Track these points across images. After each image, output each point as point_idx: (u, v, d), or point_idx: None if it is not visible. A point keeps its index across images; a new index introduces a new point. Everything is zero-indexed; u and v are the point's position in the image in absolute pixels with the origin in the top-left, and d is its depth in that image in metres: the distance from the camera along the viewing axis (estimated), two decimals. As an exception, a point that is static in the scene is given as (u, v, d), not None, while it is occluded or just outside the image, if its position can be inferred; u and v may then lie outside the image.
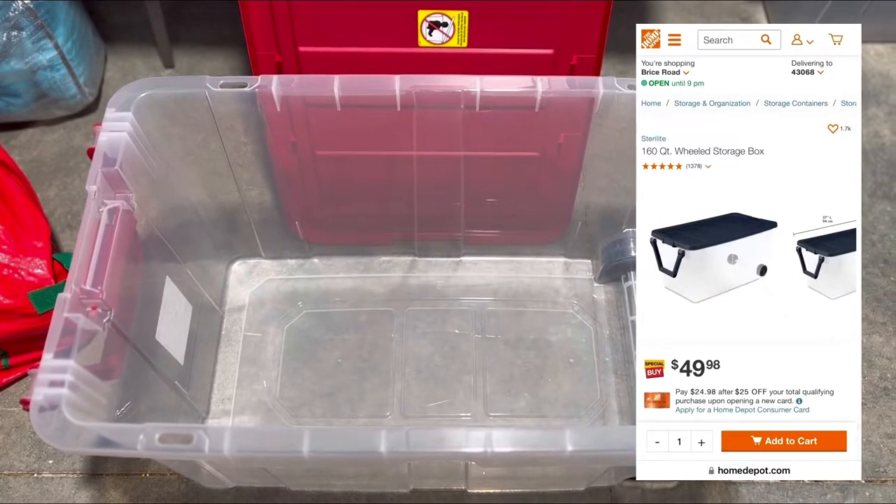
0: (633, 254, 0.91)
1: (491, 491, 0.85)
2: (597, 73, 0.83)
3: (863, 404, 0.90)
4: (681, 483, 0.85)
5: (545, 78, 0.73)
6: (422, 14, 0.77)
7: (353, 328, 0.95)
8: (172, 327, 0.79)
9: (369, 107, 0.75)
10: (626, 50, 1.17)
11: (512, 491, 0.85)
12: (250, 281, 0.99)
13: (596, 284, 0.97)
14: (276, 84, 0.72)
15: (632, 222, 0.91)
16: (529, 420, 0.89)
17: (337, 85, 0.72)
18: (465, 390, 0.90)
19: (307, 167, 0.85)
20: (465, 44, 0.79)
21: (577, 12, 0.77)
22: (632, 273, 0.92)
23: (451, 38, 0.79)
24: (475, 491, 0.85)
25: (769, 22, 1.24)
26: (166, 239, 0.80)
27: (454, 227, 0.94)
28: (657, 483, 0.85)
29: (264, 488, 0.84)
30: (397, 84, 0.72)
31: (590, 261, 0.99)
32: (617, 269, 0.94)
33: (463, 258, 1.00)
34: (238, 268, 1.00)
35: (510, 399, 0.90)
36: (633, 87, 0.72)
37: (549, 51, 0.81)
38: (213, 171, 0.84)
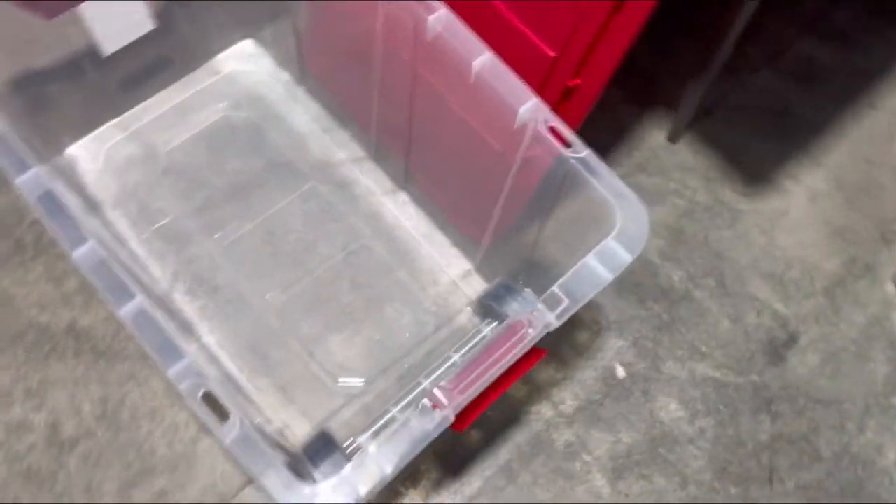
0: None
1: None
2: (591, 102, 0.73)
3: None
4: None
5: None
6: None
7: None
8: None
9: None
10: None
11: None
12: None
13: (467, 308, 0.90)
14: None
15: (529, 283, 0.82)
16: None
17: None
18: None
19: None
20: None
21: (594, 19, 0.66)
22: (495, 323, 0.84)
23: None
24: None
25: None
26: None
27: (400, 149, 0.89)
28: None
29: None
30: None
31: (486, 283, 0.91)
32: (488, 310, 0.86)
33: (401, 192, 0.95)
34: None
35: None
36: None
37: (552, 53, 0.71)
38: None
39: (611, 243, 0.61)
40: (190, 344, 0.85)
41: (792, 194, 1.02)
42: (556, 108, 0.76)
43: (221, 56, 1.03)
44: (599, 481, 0.85)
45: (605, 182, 0.63)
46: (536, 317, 0.59)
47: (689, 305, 0.94)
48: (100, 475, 0.82)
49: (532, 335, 0.59)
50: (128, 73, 0.96)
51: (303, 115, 1.00)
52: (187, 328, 0.87)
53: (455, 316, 0.90)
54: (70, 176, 0.93)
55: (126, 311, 0.57)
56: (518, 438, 0.86)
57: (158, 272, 0.90)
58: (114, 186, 0.94)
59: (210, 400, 0.54)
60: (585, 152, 0.64)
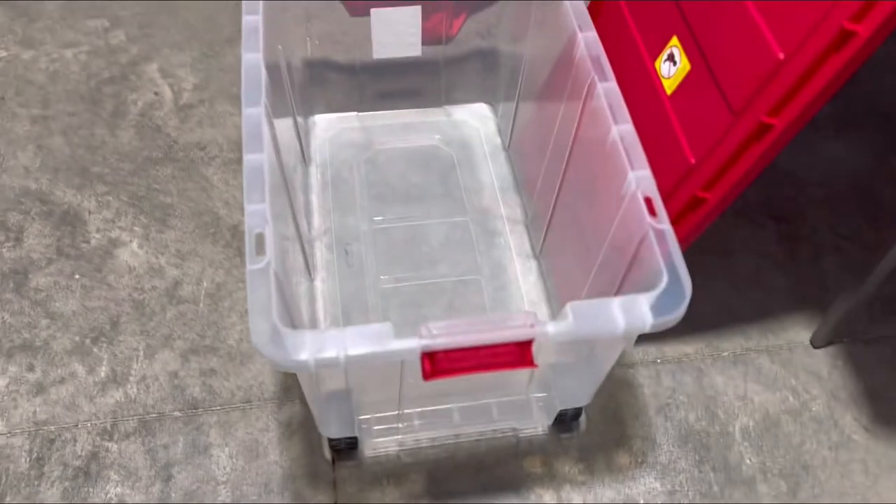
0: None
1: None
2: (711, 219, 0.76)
3: None
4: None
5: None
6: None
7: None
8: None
9: None
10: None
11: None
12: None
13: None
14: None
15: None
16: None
17: None
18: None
19: None
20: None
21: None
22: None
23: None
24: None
25: None
26: None
27: (545, 216, 0.97)
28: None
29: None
30: None
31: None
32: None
33: (532, 261, 1.03)
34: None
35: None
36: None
37: (693, 160, 0.76)
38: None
39: (638, 298, 0.64)
40: (300, 285, 0.98)
41: (925, 461, 0.90)
42: (680, 215, 0.80)
43: (459, 106, 1.22)
44: (560, 591, 0.80)
45: (669, 256, 0.66)
46: (541, 325, 0.63)
47: (746, 492, 0.87)
48: (177, 333, 0.96)
49: (528, 332, 0.62)
50: (385, 86, 1.18)
51: (492, 171, 1.14)
52: (310, 269, 1.01)
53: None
54: (304, 132, 1.15)
55: (251, 158, 0.71)
56: (508, 505, 0.85)
57: (317, 222, 1.06)
58: (327, 153, 1.14)
59: (259, 241, 0.66)
60: (666, 226, 0.68)
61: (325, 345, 0.60)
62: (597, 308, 0.64)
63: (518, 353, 0.65)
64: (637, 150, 0.73)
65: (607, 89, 0.78)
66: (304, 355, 0.60)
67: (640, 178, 0.71)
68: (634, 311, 0.63)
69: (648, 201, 0.70)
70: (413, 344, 0.61)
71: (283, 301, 0.66)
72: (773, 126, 0.70)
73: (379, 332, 0.61)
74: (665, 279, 0.65)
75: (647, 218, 0.69)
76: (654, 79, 0.85)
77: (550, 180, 0.95)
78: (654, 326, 0.64)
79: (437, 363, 0.63)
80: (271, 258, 0.64)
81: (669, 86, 0.83)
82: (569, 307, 0.63)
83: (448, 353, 0.63)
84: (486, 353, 0.64)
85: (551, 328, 0.63)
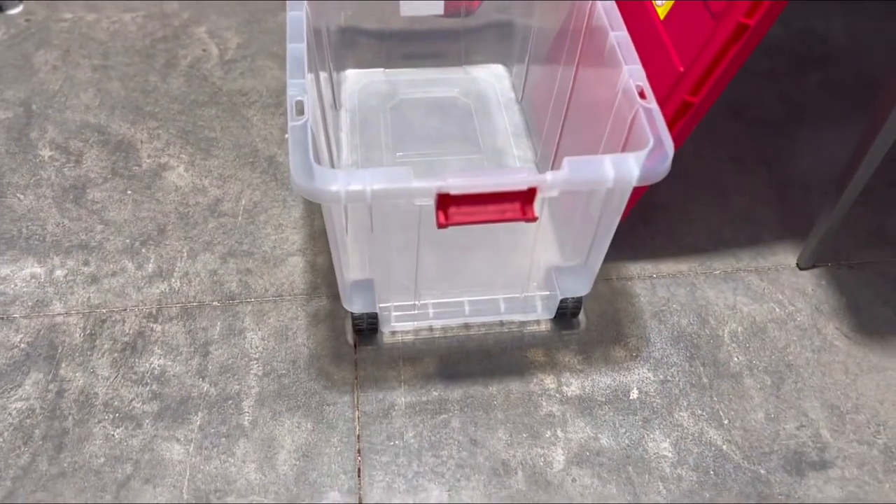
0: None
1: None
2: (697, 121, 0.86)
3: None
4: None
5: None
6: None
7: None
8: None
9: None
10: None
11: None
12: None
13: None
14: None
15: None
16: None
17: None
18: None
19: None
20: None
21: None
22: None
23: None
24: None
25: None
26: None
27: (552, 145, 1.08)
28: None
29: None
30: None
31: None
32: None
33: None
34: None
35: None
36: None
37: (681, 68, 0.86)
38: None
39: (628, 155, 0.73)
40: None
41: (905, 370, 0.97)
42: (672, 121, 0.90)
43: (477, 66, 1.33)
44: (558, 456, 0.87)
45: (655, 126, 0.76)
46: (541, 175, 0.72)
47: (733, 384, 0.94)
48: (217, 239, 1.06)
49: (531, 180, 0.72)
50: (410, 48, 1.30)
51: (506, 119, 1.24)
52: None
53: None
54: (337, 83, 1.27)
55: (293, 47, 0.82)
56: (512, 385, 0.93)
57: (345, 155, 1.17)
58: (356, 100, 1.26)
59: (299, 106, 0.76)
60: (653, 105, 0.78)
61: (353, 180, 0.70)
62: (591, 162, 0.73)
63: (522, 207, 0.75)
64: (630, 51, 0.84)
65: (606, 7, 0.89)
66: (336, 187, 0.70)
67: (632, 71, 0.82)
68: (624, 165, 0.73)
69: (639, 89, 0.80)
70: (430, 184, 0.71)
71: (317, 150, 0.76)
72: (748, 25, 0.80)
73: (400, 172, 0.71)
74: (651, 142, 0.74)
75: (638, 100, 0.79)
76: (649, 9, 0.96)
77: (556, 118, 1.06)
78: (640, 179, 0.73)
79: (449, 214, 0.73)
80: (308, 117, 0.75)
81: (662, 11, 0.93)
82: (566, 160, 0.73)
83: (460, 204, 0.72)
84: (494, 207, 0.74)
85: (549, 176, 0.72)
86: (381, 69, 1.32)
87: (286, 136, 0.73)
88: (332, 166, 1.08)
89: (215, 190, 1.13)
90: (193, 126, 1.22)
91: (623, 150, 0.82)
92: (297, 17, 0.88)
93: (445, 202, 0.73)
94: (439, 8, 1.23)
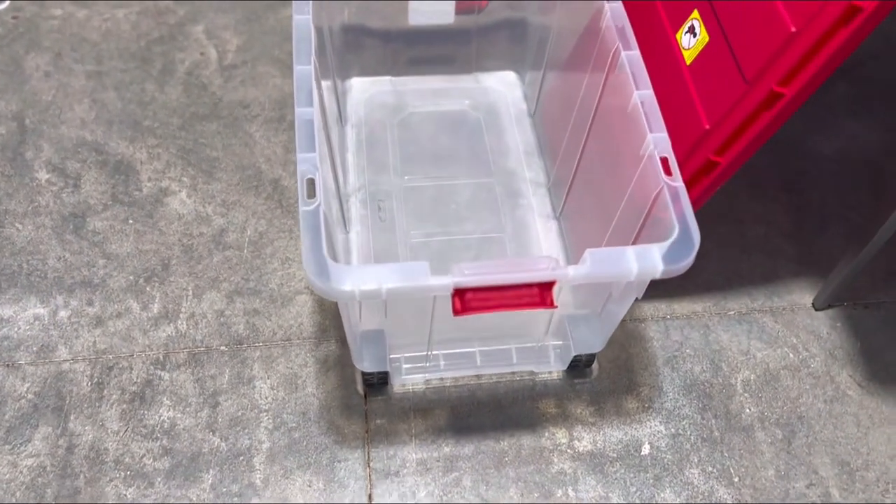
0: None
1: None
2: (721, 182, 0.82)
3: None
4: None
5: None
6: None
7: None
8: None
9: None
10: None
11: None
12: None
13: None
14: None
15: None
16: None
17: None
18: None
19: None
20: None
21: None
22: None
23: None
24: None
25: None
26: None
27: (567, 181, 1.04)
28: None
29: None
30: None
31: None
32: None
33: (553, 221, 1.10)
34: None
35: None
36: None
37: (707, 125, 0.83)
38: None
39: (651, 247, 0.70)
40: (336, 236, 1.06)
41: (915, 418, 0.97)
42: (694, 178, 0.87)
43: (488, 74, 1.28)
44: (569, 517, 0.88)
45: (681, 210, 0.73)
46: (562, 268, 0.70)
47: (745, 438, 0.94)
48: (223, 275, 1.04)
49: (550, 274, 0.69)
50: (417, 53, 1.24)
51: (518, 136, 1.20)
52: (346, 222, 1.08)
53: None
54: (341, 93, 1.22)
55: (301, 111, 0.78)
56: (524, 440, 0.92)
57: (352, 179, 1.13)
58: (362, 113, 1.21)
59: (310, 185, 0.73)
60: (679, 184, 0.74)
61: (367, 278, 0.68)
62: (613, 254, 0.70)
63: (540, 295, 0.72)
64: (656, 115, 0.80)
65: (631, 58, 0.84)
66: (349, 286, 0.67)
67: (657, 140, 0.78)
68: (647, 258, 0.70)
69: (664, 161, 0.76)
70: (446, 281, 0.68)
71: (330, 240, 0.73)
72: (783, 94, 0.76)
73: (416, 268, 0.69)
74: (676, 231, 0.72)
75: (663, 176, 0.75)
76: (675, 49, 0.91)
77: (573, 146, 1.02)
78: (664, 273, 0.70)
79: (466, 301, 0.71)
80: (321, 201, 0.72)
81: (689, 56, 0.88)
82: (587, 253, 0.70)
83: (476, 291, 0.70)
84: (511, 294, 0.71)
85: (571, 271, 0.70)
86: (388, 77, 1.26)
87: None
88: (339, 194, 1.04)
89: (219, 219, 1.10)
90: (194, 144, 1.17)
91: (644, 224, 0.79)
92: (303, 23, 0.84)
93: (462, 291, 0.70)
94: (449, 17, 1.17)
